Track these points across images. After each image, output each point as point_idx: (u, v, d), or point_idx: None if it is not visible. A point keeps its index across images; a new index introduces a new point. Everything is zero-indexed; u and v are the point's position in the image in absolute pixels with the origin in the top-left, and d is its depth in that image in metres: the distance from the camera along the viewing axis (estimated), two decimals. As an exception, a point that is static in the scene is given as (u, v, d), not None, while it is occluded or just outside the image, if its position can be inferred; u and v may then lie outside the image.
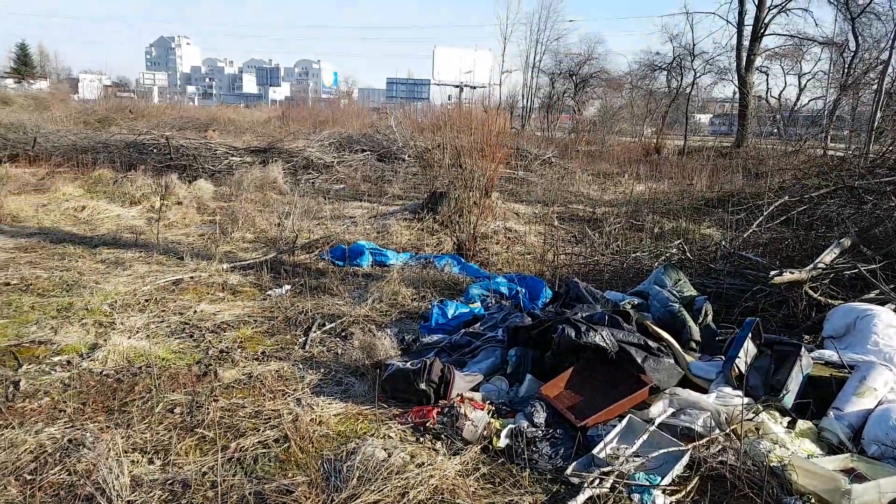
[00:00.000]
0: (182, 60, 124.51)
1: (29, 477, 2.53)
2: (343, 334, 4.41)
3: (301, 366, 3.82)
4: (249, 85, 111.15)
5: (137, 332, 4.20)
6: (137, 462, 2.65)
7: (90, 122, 18.36)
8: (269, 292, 5.32)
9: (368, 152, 14.42)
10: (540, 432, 2.99)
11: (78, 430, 2.89)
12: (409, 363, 3.56)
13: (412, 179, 12.60)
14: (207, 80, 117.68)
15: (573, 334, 3.33)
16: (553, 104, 32.09)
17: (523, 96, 33.87)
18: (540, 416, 3.08)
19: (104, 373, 3.55)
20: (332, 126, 17.68)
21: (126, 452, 2.65)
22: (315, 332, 4.42)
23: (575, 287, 4.36)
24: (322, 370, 3.76)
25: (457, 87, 28.71)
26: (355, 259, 6.36)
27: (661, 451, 2.73)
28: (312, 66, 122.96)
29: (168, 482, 2.53)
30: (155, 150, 12.55)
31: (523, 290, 5.21)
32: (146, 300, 4.88)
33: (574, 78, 31.50)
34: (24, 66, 61.57)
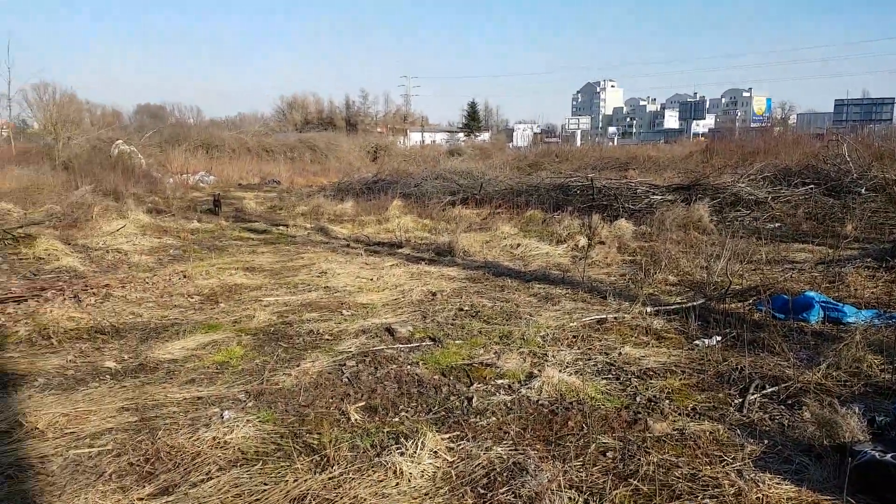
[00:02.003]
0: (605, 103, 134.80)
1: (482, 491, 2.92)
2: (789, 402, 3.90)
3: (739, 432, 3.50)
4: (671, 120, 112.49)
5: (567, 366, 4.53)
6: (574, 500, 2.80)
7: (522, 168, 21.34)
8: (697, 342, 5.11)
9: (811, 186, 12.79)
10: None
11: (521, 454, 3.24)
12: (889, 455, 2.90)
13: (873, 218, 10.64)
14: (628, 119, 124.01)
15: None
16: None
17: None
18: None
19: (539, 402, 3.93)
20: (764, 157, 16.29)
21: (564, 488, 2.83)
22: (753, 394, 4.02)
23: None
24: (765, 441, 3.37)
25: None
26: (801, 313, 5.62)
27: None
28: (742, 94, 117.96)
29: (604, 530, 2.59)
30: (578, 192, 13.75)
31: None
32: (573, 336, 5.25)
33: None
34: (472, 121, 77.22)
